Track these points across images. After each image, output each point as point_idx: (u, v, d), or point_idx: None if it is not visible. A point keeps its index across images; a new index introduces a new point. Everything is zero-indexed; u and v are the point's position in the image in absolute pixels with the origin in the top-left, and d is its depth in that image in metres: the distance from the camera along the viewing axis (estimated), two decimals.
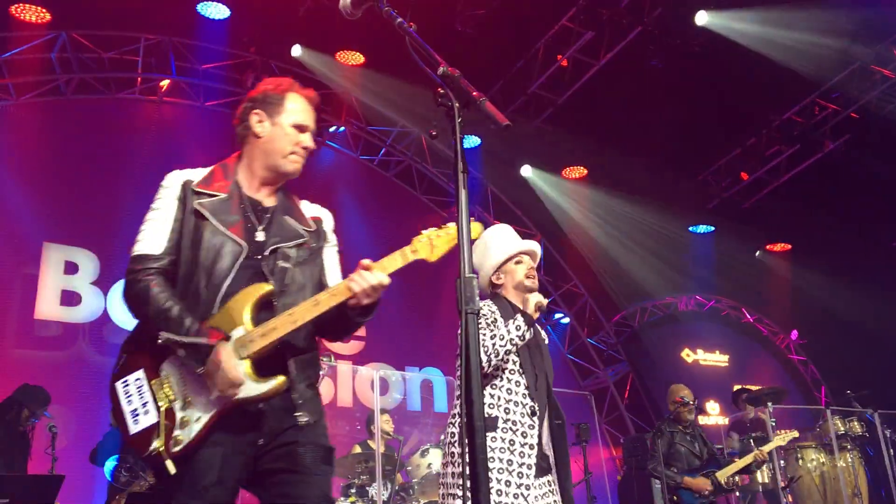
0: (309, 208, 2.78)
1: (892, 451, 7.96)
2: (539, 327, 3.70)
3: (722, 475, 6.87)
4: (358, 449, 7.73)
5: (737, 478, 7.00)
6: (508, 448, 3.34)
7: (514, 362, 3.50)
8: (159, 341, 2.37)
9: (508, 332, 3.41)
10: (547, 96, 10.45)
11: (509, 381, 3.46)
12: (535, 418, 3.44)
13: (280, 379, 2.41)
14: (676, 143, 10.36)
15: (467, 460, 1.76)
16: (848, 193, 11.03)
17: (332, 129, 11.16)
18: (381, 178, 11.62)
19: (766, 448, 7.05)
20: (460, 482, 3.29)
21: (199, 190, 2.57)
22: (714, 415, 12.81)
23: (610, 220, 11.87)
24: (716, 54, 9.35)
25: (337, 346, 9.64)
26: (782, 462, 8.11)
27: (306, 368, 2.54)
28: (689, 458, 7.02)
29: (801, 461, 8.13)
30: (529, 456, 3.36)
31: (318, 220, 2.74)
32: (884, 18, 9.03)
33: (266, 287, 2.47)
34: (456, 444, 3.41)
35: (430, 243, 2.55)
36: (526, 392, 3.46)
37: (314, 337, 2.62)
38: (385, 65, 9.87)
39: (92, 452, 7.15)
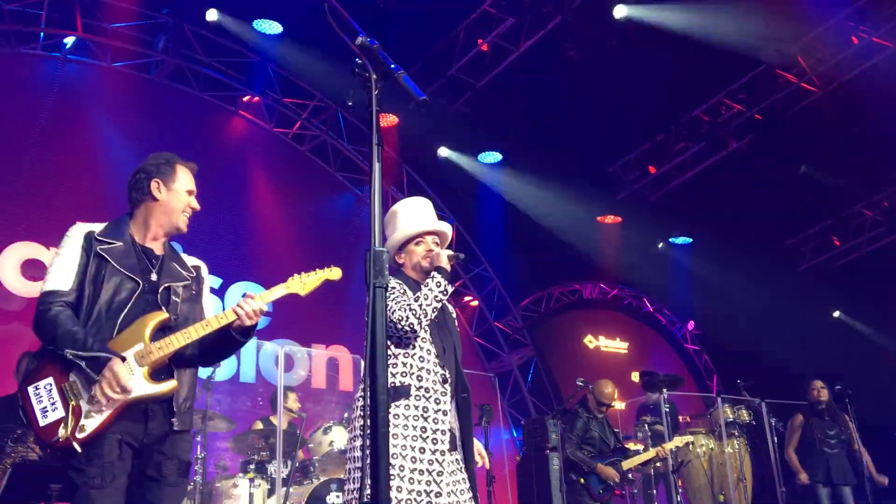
0: (188, 258, 3.39)
1: (776, 439, 8.36)
2: (446, 302, 3.70)
3: (627, 465, 7.14)
4: (259, 425, 7.63)
5: (630, 475, 7.31)
6: (422, 415, 3.35)
7: (425, 330, 3.49)
8: (66, 355, 2.85)
9: (431, 290, 3.43)
10: (466, 80, 10.46)
11: (421, 348, 3.46)
12: (446, 385, 3.46)
13: (172, 383, 3.00)
14: (589, 133, 10.54)
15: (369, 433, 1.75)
16: (748, 191, 11.45)
17: (246, 98, 10.88)
18: (295, 151, 11.37)
19: (667, 446, 7.37)
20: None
21: (101, 239, 3.10)
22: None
23: (522, 205, 12.01)
24: (631, 49, 9.55)
25: None
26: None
27: (188, 387, 3.14)
28: (600, 444, 7.28)
29: (691, 446, 8.46)
30: (443, 422, 3.38)
31: (196, 268, 3.37)
32: (791, 23, 9.37)
33: (163, 315, 3.05)
34: (363, 418, 3.39)
35: (301, 280, 3.28)
36: (437, 360, 3.48)
37: (198, 365, 3.26)
38: (304, 36, 9.68)
39: None
